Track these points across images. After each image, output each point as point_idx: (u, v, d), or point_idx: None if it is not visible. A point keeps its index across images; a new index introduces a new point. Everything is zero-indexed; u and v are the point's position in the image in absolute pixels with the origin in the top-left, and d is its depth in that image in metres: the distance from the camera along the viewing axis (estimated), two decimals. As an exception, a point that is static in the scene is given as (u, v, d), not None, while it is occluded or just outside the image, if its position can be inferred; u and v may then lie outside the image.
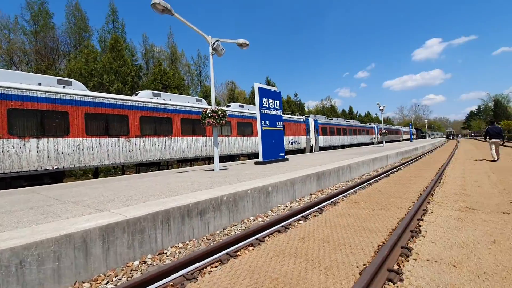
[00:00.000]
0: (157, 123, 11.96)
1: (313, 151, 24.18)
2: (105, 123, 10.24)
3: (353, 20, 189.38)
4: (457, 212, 4.68)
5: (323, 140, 25.95)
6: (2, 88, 7.97)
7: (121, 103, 10.76)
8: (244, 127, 16.65)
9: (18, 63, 25.72)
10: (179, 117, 12.84)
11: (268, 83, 38.91)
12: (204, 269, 2.95)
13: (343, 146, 30.70)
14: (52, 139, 8.80)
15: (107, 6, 43.76)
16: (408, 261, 2.90)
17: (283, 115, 14.78)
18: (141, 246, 3.25)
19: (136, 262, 3.14)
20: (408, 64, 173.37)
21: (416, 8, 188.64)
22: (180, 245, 3.64)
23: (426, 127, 78.12)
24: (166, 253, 3.41)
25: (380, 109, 28.22)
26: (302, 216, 4.75)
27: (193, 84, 39.58)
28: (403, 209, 5.04)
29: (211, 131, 12.25)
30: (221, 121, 8.38)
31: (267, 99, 11.23)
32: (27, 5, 25.79)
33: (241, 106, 17.66)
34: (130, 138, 10.85)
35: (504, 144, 25.82)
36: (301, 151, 22.80)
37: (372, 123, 45.22)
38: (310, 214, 4.92)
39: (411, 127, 47.04)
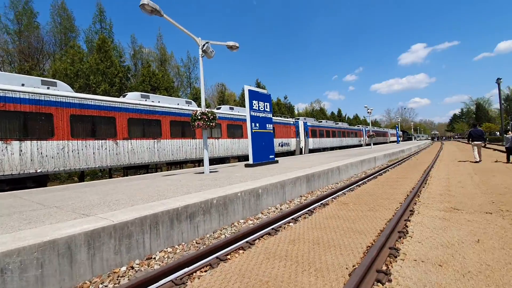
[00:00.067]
0: (146, 125, 11.77)
1: (303, 153, 24.37)
2: (92, 125, 9.99)
3: (341, 25, 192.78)
4: (442, 212, 4.81)
5: (313, 142, 26.19)
6: (-18, 89, 7.67)
7: (108, 104, 10.53)
8: (234, 129, 16.61)
9: (0, 63, 24.85)
10: (168, 119, 12.69)
11: (258, 85, 39.05)
12: (194, 274, 2.91)
13: (332, 148, 31.08)
14: (35, 141, 8.50)
15: (94, 6, 42.96)
16: (396, 261, 2.95)
17: (273, 117, 14.83)
18: (128, 251, 3.18)
19: (123, 268, 3.06)
20: (395, 68, 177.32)
21: (402, 13, 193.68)
22: (169, 249, 3.57)
23: (412, 130, 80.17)
24: (155, 258, 3.34)
25: (368, 112, 28.82)
26: (292, 218, 4.77)
27: (183, 86, 39.37)
28: (390, 210, 5.13)
29: (201, 134, 12.16)
30: (211, 124, 8.34)
31: (257, 101, 11.25)
32: (11, 4, 25.09)
33: (231, 109, 17.61)
34: (118, 141, 10.63)
35: (486, 146, 26.75)
36: (291, 153, 22.93)
37: (360, 126, 46.06)
38: (300, 216, 4.94)
39: (397, 129, 48.20)
